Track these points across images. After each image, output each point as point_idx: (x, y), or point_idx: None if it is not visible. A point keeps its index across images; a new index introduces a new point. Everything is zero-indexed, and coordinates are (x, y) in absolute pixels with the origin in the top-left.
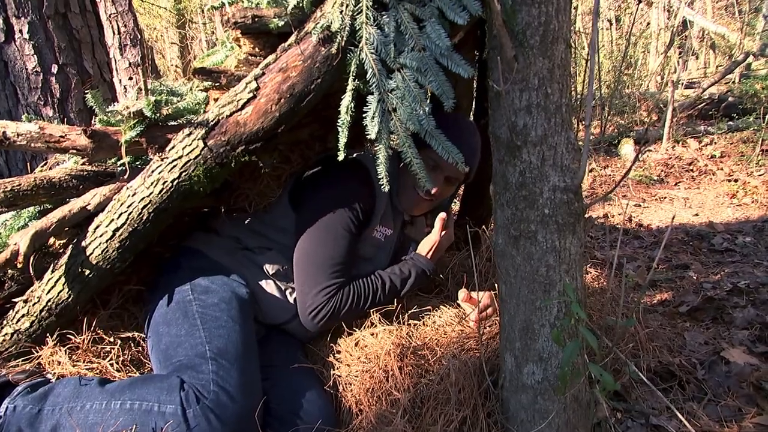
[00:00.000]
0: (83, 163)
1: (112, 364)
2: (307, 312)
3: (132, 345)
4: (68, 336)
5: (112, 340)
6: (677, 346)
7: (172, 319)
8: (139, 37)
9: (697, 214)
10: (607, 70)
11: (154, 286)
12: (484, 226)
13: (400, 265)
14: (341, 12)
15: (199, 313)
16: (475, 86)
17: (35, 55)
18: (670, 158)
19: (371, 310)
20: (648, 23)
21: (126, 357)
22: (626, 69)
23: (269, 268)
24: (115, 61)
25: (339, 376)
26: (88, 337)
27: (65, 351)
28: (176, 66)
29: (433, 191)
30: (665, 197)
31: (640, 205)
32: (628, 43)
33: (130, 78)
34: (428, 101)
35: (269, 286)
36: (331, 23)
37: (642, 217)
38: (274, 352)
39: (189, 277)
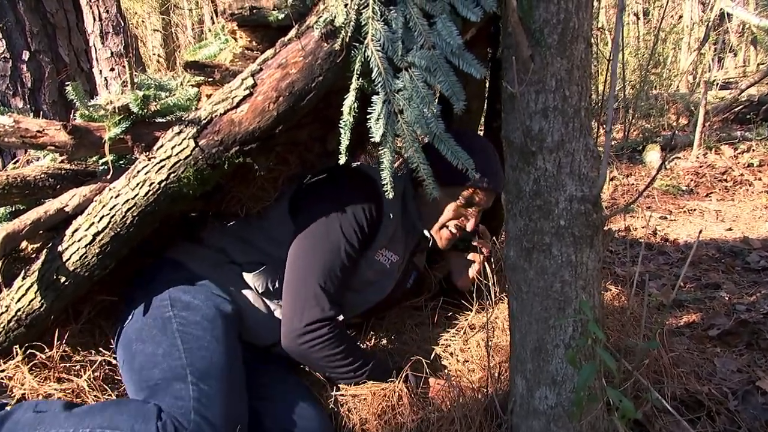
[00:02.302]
0: (61, 161)
1: (86, 382)
2: (295, 335)
3: (105, 364)
4: (35, 352)
5: (81, 358)
6: (706, 373)
7: (148, 337)
8: (123, 24)
9: (730, 229)
10: (632, 69)
11: (129, 298)
12: (494, 238)
13: (397, 367)
14: (346, 5)
15: (180, 332)
16: (487, 87)
17: (3, 40)
18: (701, 166)
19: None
20: (680, 16)
21: (99, 375)
22: (654, 67)
23: (258, 286)
24: (95, 49)
25: (343, 396)
26: (58, 353)
27: (28, 369)
28: (159, 55)
29: (469, 228)
30: (695, 209)
31: (666, 218)
32: (657, 39)
33: (112, 69)
34: (437, 103)
35: (257, 304)
36: (335, 17)
37: (668, 231)
38: (265, 372)
39: (168, 290)
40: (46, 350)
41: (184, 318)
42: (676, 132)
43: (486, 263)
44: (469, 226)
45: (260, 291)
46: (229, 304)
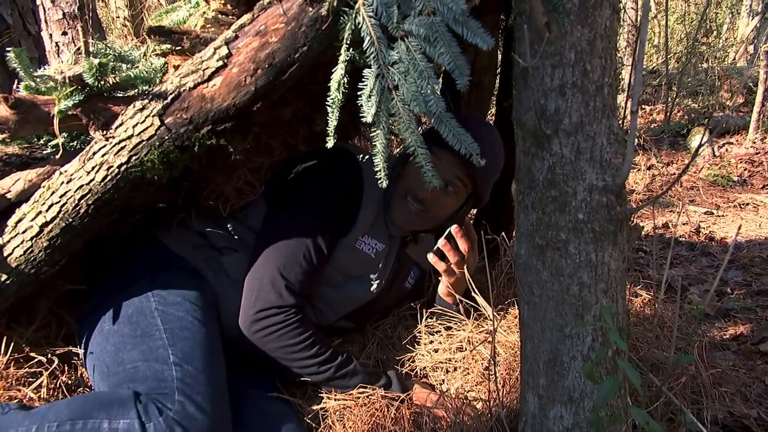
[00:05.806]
0: (1, 140)
1: (37, 391)
2: (249, 321)
3: (66, 367)
4: None
5: (44, 359)
6: (755, 394)
7: (124, 318)
8: None
9: None
10: (679, 38)
11: (98, 280)
12: (504, 233)
13: (375, 371)
14: None
15: (159, 311)
16: (500, 60)
17: None
18: (757, 153)
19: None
20: None
21: (57, 382)
22: (705, 36)
23: (234, 272)
24: (45, 9)
25: (325, 411)
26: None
27: None
28: (125, 18)
29: (421, 196)
30: (747, 203)
31: (712, 213)
32: (709, 2)
33: (64, 33)
34: (438, 78)
35: (232, 290)
36: None
37: (714, 229)
38: (235, 373)
39: (145, 270)
40: None
41: (164, 297)
42: (726, 111)
43: (467, 273)
44: (422, 194)
45: (234, 277)
46: (208, 286)
